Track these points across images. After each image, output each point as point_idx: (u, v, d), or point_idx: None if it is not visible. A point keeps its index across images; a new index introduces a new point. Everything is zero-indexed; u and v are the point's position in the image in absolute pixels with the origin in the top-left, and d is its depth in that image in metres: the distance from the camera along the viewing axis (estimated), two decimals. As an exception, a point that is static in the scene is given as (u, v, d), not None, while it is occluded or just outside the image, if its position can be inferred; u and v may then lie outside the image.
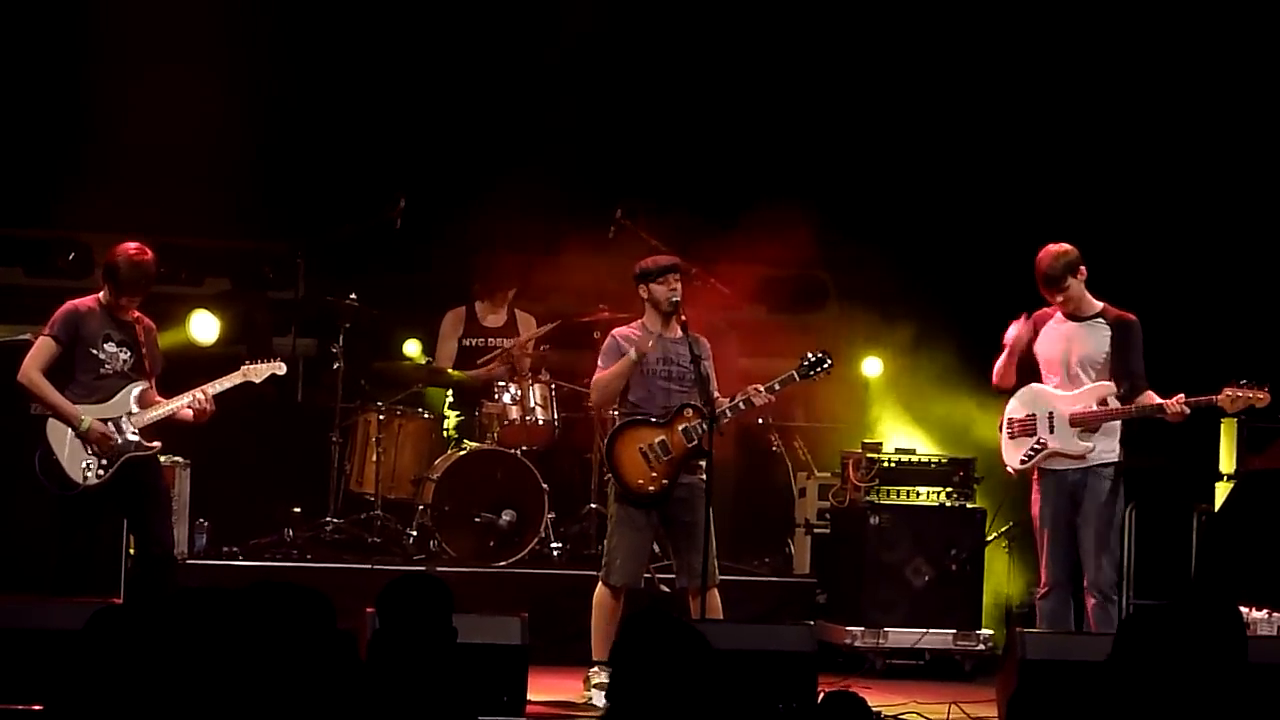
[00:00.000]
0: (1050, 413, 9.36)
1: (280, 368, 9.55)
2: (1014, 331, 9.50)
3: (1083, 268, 9.31)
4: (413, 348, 12.75)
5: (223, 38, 11.82)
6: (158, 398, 9.15)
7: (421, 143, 12.78)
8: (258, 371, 9.43)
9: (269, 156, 12.51)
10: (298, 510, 11.71)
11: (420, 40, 12.74)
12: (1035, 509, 9.42)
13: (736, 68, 12.91)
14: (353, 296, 11.82)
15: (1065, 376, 9.39)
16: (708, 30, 12.84)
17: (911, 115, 12.83)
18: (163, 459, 9.68)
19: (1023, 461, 9.43)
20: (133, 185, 11.26)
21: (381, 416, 11.72)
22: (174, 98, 11.33)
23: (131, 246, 9.05)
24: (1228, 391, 9.05)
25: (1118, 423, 9.28)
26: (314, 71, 12.39)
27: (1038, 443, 9.36)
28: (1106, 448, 9.29)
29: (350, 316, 11.81)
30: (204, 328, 11.92)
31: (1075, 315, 9.39)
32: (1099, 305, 9.39)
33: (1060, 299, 9.33)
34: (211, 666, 4.67)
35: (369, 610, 6.96)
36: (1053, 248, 9.33)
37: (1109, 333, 9.31)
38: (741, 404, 9.29)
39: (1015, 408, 9.51)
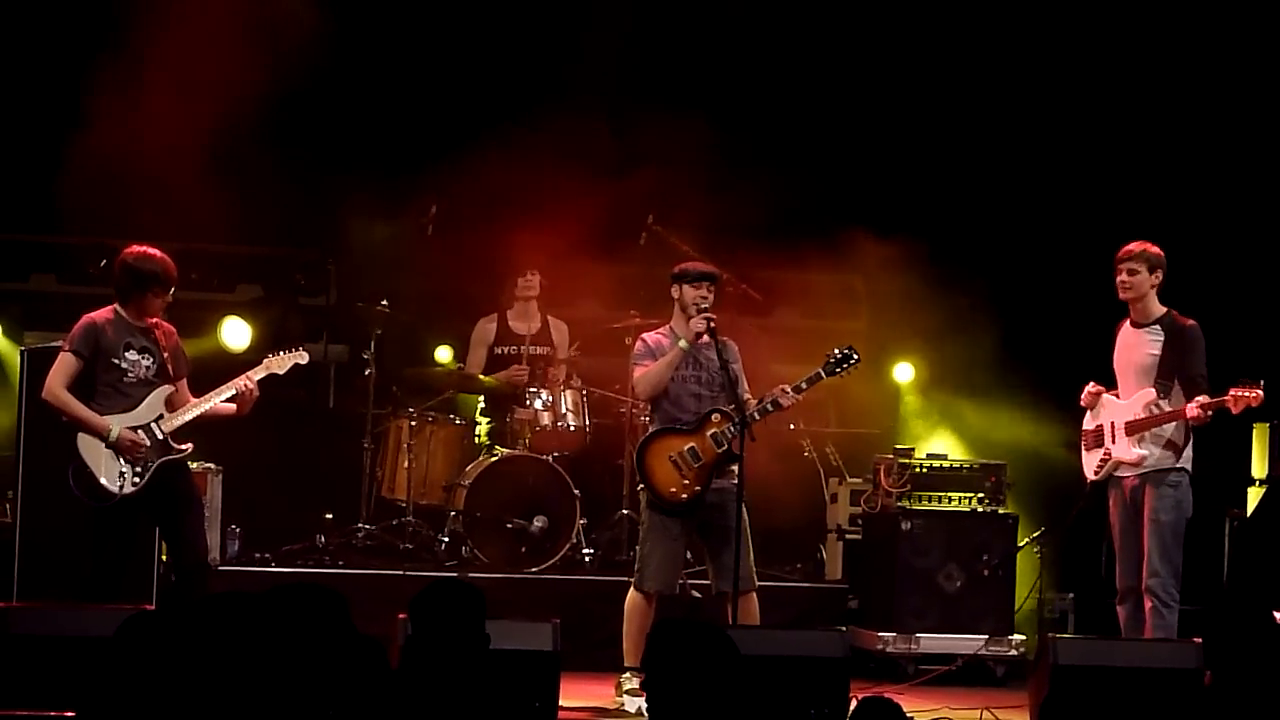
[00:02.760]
0: (1112, 422, 9.40)
1: (303, 356, 9.50)
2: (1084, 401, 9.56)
3: (1160, 272, 9.31)
4: (444, 354, 12.77)
5: (251, 43, 11.83)
6: (190, 398, 9.15)
7: (455, 148, 12.77)
8: (280, 362, 9.38)
9: (301, 162, 12.52)
10: (329, 516, 11.73)
11: (452, 43, 12.74)
12: (1111, 518, 9.46)
13: (763, 67, 12.88)
14: (384, 303, 11.84)
15: (1126, 385, 9.41)
16: (747, 36, 12.80)
17: (948, 118, 12.79)
18: (195, 465, 9.69)
19: (1095, 472, 9.47)
20: (164, 191, 11.27)
21: (413, 423, 11.72)
22: (205, 103, 11.35)
23: (138, 249, 9.07)
24: (1233, 392, 9.02)
25: (1172, 429, 9.24)
26: (346, 76, 12.39)
27: (1106, 453, 9.37)
28: (1162, 454, 9.26)
29: (382, 323, 11.83)
30: (236, 334, 11.97)
31: (1137, 321, 9.39)
32: (1161, 311, 9.38)
33: (1123, 279, 9.30)
34: (238, 670, 4.68)
35: (401, 616, 6.99)
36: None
37: (1161, 338, 9.30)
38: (769, 405, 9.25)
39: (1088, 419, 9.58)
